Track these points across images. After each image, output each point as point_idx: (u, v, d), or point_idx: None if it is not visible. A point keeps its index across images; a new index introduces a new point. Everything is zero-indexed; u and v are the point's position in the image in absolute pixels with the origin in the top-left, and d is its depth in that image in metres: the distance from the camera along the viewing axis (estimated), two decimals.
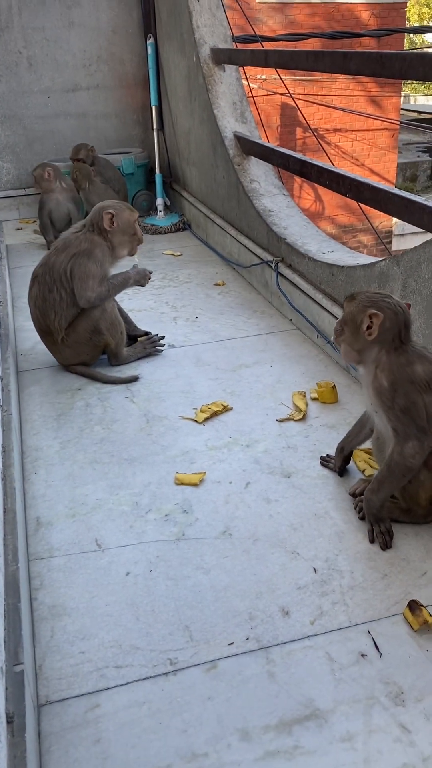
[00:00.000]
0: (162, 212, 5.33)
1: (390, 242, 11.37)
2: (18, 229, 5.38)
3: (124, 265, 3.07)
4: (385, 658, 1.59)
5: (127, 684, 1.54)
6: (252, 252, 3.86)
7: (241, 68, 4.47)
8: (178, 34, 4.75)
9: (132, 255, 2.93)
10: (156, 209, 5.37)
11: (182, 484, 2.19)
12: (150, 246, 4.84)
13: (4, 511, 1.80)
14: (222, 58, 4.28)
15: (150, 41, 5.29)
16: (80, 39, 5.48)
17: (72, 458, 2.36)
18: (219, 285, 4.00)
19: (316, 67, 2.98)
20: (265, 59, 3.55)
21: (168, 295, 3.91)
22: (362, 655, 1.60)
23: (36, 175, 4.60)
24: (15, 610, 1.49)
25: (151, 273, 2.99)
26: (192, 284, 4.06)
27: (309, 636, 1.65)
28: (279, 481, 2.20)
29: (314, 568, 1.85)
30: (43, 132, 5.59)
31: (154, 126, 5.39)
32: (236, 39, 4.95)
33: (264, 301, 3.73)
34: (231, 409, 2.63)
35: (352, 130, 11.02)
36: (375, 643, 1.62)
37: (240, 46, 5.42)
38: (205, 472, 2.23)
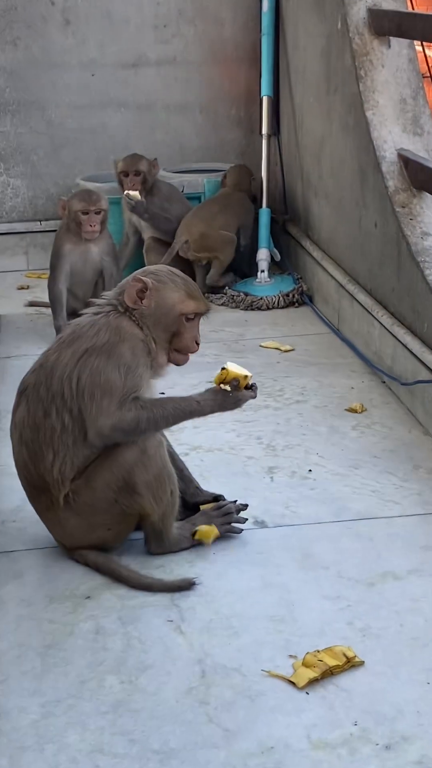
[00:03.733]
0: (266, 272, 5.36)
1: None
2: (22, 287, 5.54)
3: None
4: None
5: None
6: (419, 358, 3.81)
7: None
8: None
9: (178, 363, 2.98)
10: (256, 267, 5.40)
11: None
12: (240, 331, 4.86)
13: None
14: (387, 25, 4.35)
15: None
16: None
17: (60, 740, 2.26)
18: (355, 411, 3.99)
19: None
20: None
21: (262, 423, 3.89)
22: None
23: (72, 208, 4.68)
24: None
25: (255, 393, 2.94)
26: (307, 406, 4.05)
27: None
28: None
29: None
30: (80, 131, 5.82)
31: (264, 129, 5.51)
32: None
33: None
34: (361, 663, 2.49)
35: None
36: None
37: (420, 4, 5.54)
38: None
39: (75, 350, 2.85)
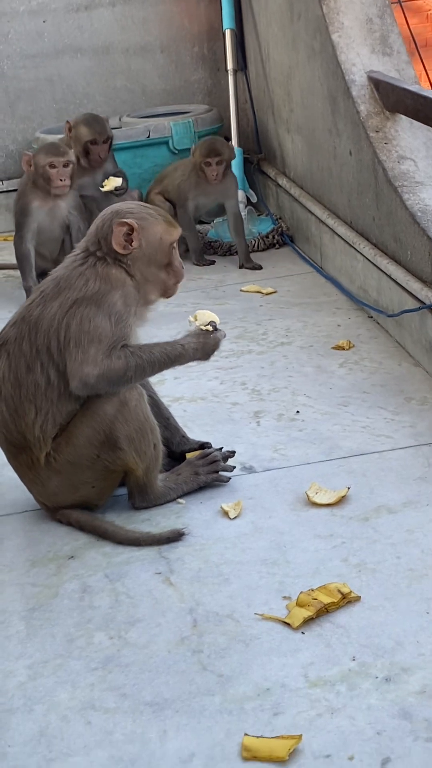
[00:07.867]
0: (243, 214, 5.35)
1: None
2: None
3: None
4: None
5: None
6: (404, 288, 3.84)
7: None
8: None
9: (167, 297, 3.02)
10: None
11: (256, 759, 2.07)
12: (219, 277, 4.88)
13: None
14: None
15: None
16: None
17: (49, 699, 2.30)
18: (342, 348, 4.02)
19: None
20: None
21: (246, 368, 3.92)
22: None
23: (39, 162, 4.65)
24: None
25: (221, 338, 3.02)
26: (292, 347, 4.08)
27: None
28: None
29: None
30: (35, 81, 5.82)
31: (229, 65, 5.51)
32: None
33: (426, 380, 3.68)
34: (357, 599, 2.55)
35: None
36: None
37: None
38: (300, 736, 2.10)
39: (62, 302, 2.87)
